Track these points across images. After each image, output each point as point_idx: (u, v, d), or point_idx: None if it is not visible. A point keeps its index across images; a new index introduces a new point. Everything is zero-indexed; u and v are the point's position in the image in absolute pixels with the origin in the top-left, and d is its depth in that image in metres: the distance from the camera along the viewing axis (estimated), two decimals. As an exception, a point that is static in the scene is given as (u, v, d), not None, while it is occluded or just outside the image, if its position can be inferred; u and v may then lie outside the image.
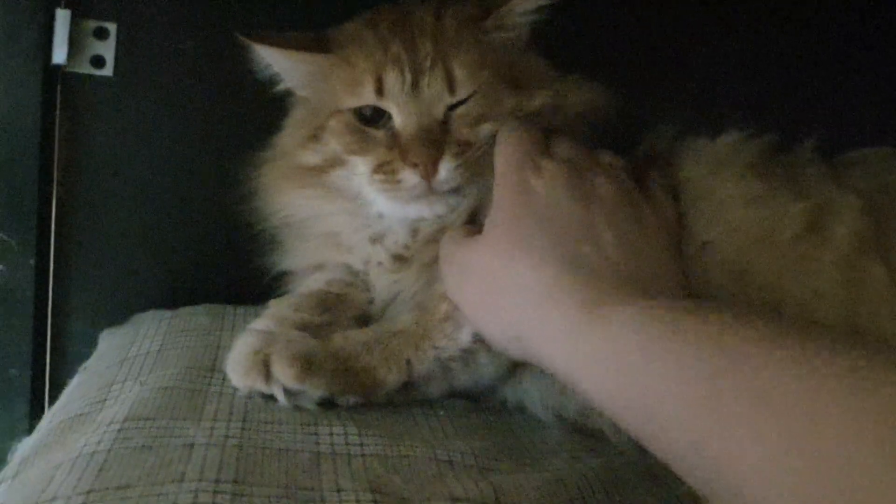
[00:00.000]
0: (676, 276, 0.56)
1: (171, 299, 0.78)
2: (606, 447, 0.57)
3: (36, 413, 0.80)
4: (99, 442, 0.48)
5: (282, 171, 0.67)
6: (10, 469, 0.51)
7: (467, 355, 0.58)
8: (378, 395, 0.57)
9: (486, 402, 0.62)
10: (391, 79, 0.59)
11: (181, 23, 0.80)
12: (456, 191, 0.61)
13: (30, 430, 0.59)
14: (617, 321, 0.46)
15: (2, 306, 0.79)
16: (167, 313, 0.75)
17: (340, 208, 0.65)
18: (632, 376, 0.44)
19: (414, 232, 0.63)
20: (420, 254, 0.63)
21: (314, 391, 0.55)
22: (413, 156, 0.58)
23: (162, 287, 0.82)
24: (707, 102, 0.71)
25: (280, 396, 0.55)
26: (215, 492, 0.42)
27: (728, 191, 0.60)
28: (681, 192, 0.61)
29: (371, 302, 0.65)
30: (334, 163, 0.63)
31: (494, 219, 0.56)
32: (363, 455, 0.50)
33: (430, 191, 0.59)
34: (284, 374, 0.54)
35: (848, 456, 0.32)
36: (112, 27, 0.78)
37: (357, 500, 0.44)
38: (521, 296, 0.52)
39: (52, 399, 0.73)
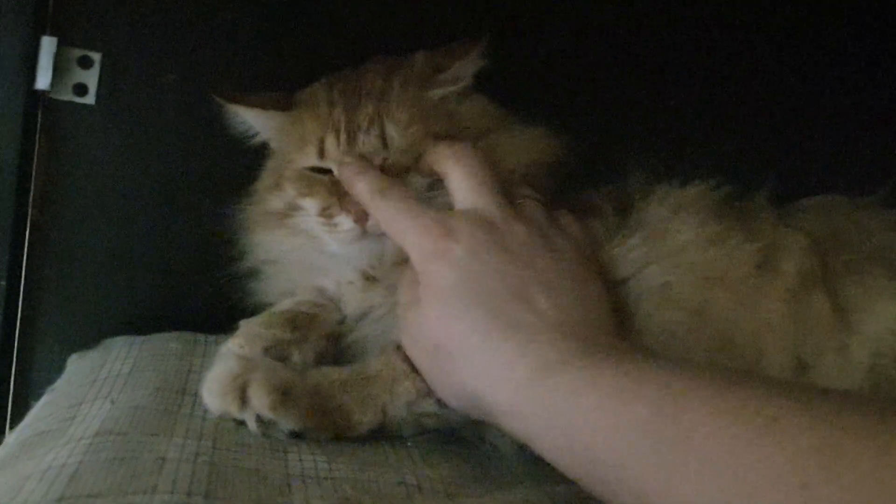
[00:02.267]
0: (609, 316, 0.57)
1: (142, 327, 0.78)
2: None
3: (-4, 436, 0.78)
4: (69, 455, 0.47)
5: (256, 214, 0.72)
6: (-27, 483, 0.50)
7: (440, 409, 0.59)
8: (350, 435, 0.57)
9: (451, 434, 0.62)
10: (330, 142, 0.65)
11: (165, 56, 0.81)
12: None
13: (-11, 453, 0.58)
14: (563, 389, 0.47)
15: (-31, 327, 0.78)
16: (138, 339, 0.74)
17: (305, 242, 0.68)
18: (579, 436, 0.45)
19: (379, 257, 0.65)
20: (389, 274, 0.64)
21: (287, 423, 0.55)
22: (346, 203, 0.63)
23: (133, 315, 0.82)
24: (671, 152, 0.74)
25: (252, 424, 0.55)
26: (187, 504, 0.43)
27: (688, 233, 0.63)
28: (640, 230, 0.64)
29: (341, 322, 0.66)
30: (293, 208, 0.68)
31: (423, 290, 0.57)
32: (332, 478, 0.50)
33: (365, 235, 0.63)
34: (260, 402, 0.55)
35: (767, 496, 0.35)
36: (97, 56, 0.79)
37: (328, 517, 0.44)
38: (468, 362, 0.53)
39: (14, 423, 0.72)
